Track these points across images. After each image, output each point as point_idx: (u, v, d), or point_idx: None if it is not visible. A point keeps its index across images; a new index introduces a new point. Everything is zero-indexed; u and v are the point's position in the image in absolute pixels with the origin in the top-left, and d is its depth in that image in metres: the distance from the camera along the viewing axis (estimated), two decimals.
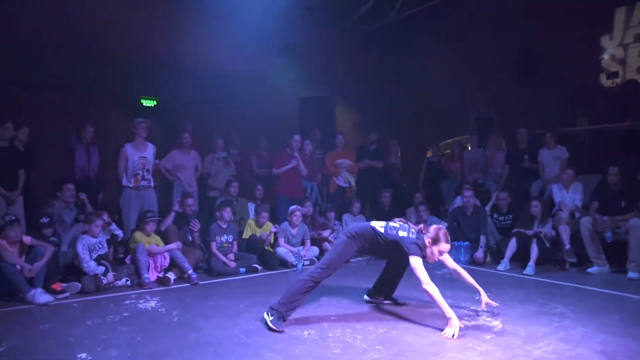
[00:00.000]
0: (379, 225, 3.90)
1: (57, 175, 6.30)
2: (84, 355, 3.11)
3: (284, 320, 3.63)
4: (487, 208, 6.95)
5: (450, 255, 6.41)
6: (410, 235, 3.81)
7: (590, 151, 7.71)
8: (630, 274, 5.52)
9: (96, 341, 3.37)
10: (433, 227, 3.90)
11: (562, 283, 5.39)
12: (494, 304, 4.01)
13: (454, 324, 3.47)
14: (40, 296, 4.44)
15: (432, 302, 3.67)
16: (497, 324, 3.81)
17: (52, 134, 6.79)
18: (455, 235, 6.53)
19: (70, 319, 3.96)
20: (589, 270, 5.84)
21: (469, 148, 8.72)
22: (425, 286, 3.56)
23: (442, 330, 3.51)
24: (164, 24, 8.35)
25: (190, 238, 6.01)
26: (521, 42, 9.20)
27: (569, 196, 6.61)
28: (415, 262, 3.63)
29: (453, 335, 3.40)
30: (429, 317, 3.92)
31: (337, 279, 5.47)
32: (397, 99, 10.62)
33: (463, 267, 5.85)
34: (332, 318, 3.90)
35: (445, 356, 3.07)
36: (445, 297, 3.67)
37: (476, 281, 4.13)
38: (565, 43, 8.81)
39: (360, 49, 10.56)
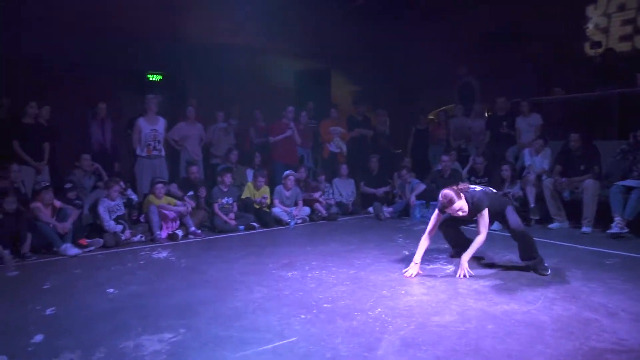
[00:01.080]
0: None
1: (76, 147, 7.04)
2: (111, 289, 3.93)
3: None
4: (465, 171, 7.64)
5: (428, 215, 7.22)
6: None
7: (563, 118, 8.27)
8: (584, 229, 6.24)
9: (120, 281, 4.19)
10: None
11: None
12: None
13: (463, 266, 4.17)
14: (71, 249, 5.27)
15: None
16: (450, 267, 4.57)
17: (70, 111, 7.48)
18: (434, 196, 7.28)
19: (96, 266, 4.79)
20: (550, 225, 6.55)
21: (455, 116, 9.30)
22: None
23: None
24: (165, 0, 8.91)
25: (195, 202, 6.77)
26: (508, 14, 9.66)
27: (538, 160, 7.25)
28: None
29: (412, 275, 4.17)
30: (397, 262, 4.69)
31: (323, 233, 6.31)
32: (389, 71, 11.17)
33: None
34: (313, 263, 4.67)
35: (396, 288, 3.84)
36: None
37: None
38: (550, 12, 9.30)
39: (353, 23, 11.04)
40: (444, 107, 10.05)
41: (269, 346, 2.78)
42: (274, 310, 3.36)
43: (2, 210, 5.13)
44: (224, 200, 6.65)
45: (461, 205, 4.13)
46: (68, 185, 6.13)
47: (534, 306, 3.47)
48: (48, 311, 3.48)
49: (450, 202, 4.11)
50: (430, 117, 10.30)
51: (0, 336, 3.03)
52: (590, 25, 9.81)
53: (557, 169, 6.74)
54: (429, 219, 6.97)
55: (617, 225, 5.90)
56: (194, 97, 8.46)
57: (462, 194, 4.19)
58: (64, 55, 7.78)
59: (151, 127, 6.85)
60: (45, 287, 4.10)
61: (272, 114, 8.67)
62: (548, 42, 9.21)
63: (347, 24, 10.96)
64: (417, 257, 4.26)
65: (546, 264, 4.29)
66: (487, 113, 9.08)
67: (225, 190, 6.71)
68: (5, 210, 5.13)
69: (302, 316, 3.24)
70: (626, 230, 5.88)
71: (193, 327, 3.09)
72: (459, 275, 4.13)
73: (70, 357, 2.72)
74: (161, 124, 6.97)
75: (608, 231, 5.94)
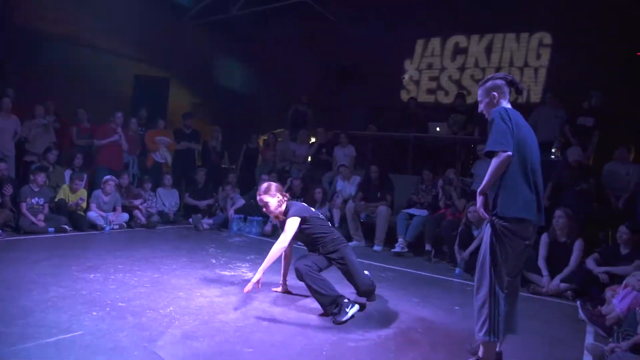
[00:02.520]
0: None
1: None
2: None
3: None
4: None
5: (245, 229, 7.75)
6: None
7: (372, 152, 9.54)
8: (375, 247, 7.33)
9: None
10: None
11: None
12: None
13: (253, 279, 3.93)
14: None
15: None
16: (250, 274, 5.08)
17: None
18: (252, 211, 7.87)
19: None
20: (349, 243, 7.47)
21: (283, 139, 10.06)
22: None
23: (208, 277, 4.67)
24: None
25: (0, 200, 6.35)
26: (343, 58, 10.87)
27: (347, 187, 8.29)
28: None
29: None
30: (202, 268, 5.06)
31: (138, 240, 6.43)
32: (228, 88, 11.66)
33: (254, 238, 7.25)
34: (119, 267, 4.81)
35: (194, 290, 4.23)
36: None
37: (261, 251, 5.38)
38: (377, 62, 10.70)
39: (200, 36, 11.32)
40: (275, 130, 10.79)
41: (52, 339, 2.94)
42: (66, 308, 3.48)
43: None
44: (34, 201, 6.35)
45: (268, 201, 4.16)
46: None
47: (307, 306, 4.12)
48: None
49: (267, 190, 4.19)
50: (263, 137, 10.97)
51: None
52: (406, 76, 11.53)
53: (359, 195, 7.82)
54: (246, 232, 7.61)
55: (400, 245, 7.08)
56: (12, 87, 7.87)
57: (282, 197, 4.23)
58: None
59: None
60: None
61: (102, 115, 8.43)
62: (375, 84, 10.58)
63: (193, 35, 11.19)
64: (259, 272, 3.93)
65: (346, 308, 3.82)
66: (311, 140, 10.06)
67: (37, 190, 6.42)
68: None
69: (94, 313, 3.43)
70: (406, 249, 7.09)
71: None
72: (246, 289, 3.90)
73: None
74: None
75: (392, 250, 7.09)
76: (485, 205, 2.98)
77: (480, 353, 3.00)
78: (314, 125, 10.35)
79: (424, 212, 7.33)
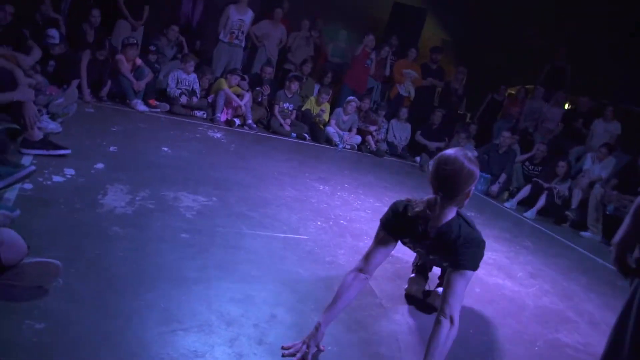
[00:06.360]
0: None
1: (164, 16, 7.38)
2: (166, 148, 4.42)
3: None
4: (523, 157, 7.54)
5: None
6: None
7: None
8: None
9: (174, 144, 4.68)
10: None
11: (551, 233, 6.15)
12: None
13: None
14: (140, 105, 5.81)
15: None
16: None
17: None
18: (482, 167, 7.35)
19: (159, 126, 5.33)
20: (583, 233, 6.51)
21: (534, 97, 9.01)
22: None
23: None
24: None
25: (260, 98, 7.12)
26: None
27: (597, 168, 7.09)
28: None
29: None
30: None
31: (365, 164, 6.58)
32: (483, 32, 10.77)
33: (478, 195, 6.81)
34: (345, 185, 4.97)
35: None
36: None
37: (482, 210, 5.26)
38: None
39: None
40: (526, 86, 9.73)
41: (281, 235, 3.17)
42: (297, 211, 3.74)
43: (94, 57, 5.64)
44: (285, 105, 6.98)
45: None
46: (152, 48, 6.59)
47: (525, 290, 3.68)
48: (111, 148, 4.01)
49: None
50: (511, 90, 10.03)
51: (72, 158, 3.51)
52: None
53: (612, 182, 6.60)
54: (477, 189, 7.12)
55: None
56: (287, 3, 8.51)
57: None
58: None
59: (239, 16, 7.12)
60: (113, 129, 4.66)
61: (356, 36, 8.63)
62: None
63: None
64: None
65: None
66: (568, 105, 8.80)
67: (290, 96, 7.02)
68: (97, 58, 5.65)
69: (319, 223, 3.60)
70: None
71: (224, 199, 3.52)
72: None
73: (120, 188, 3.20)
74: (249, 15, 7.22)
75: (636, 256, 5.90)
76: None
77: None
78: (571, 86, 8.97)
79: None
